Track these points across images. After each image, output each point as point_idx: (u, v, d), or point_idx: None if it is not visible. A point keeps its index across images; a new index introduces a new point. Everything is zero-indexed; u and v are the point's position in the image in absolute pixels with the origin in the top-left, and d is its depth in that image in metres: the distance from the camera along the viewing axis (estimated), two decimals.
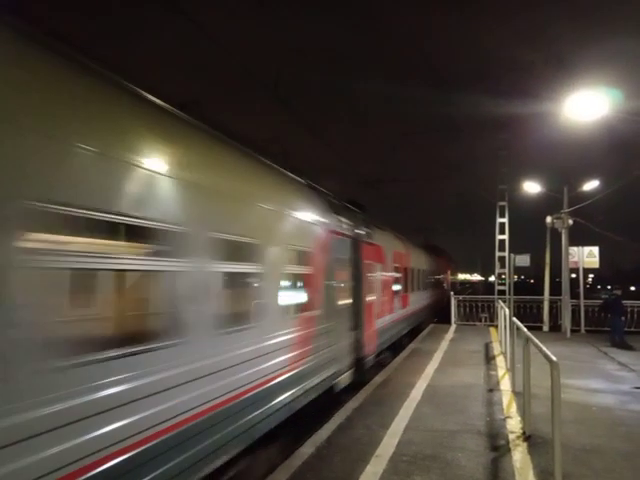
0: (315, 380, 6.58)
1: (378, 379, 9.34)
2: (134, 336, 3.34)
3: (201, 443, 3.88)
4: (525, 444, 5.73)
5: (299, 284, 6.33)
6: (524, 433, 6.05)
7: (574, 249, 18.04)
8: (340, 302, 7.95)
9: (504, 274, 20.22)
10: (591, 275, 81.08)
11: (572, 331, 16.99)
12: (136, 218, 3.28)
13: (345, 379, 8.14)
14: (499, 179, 21.98)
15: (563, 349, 13.12)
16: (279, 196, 6.00)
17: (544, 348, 5.05)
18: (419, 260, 18.79)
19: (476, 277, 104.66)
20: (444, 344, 14.16)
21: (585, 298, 17.97)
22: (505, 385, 8.81)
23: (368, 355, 9.71)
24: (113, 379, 2.98)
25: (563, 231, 17.81)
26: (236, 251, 4.63)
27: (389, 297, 12.42)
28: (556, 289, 18.84)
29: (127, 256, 3.32)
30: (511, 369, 9.05)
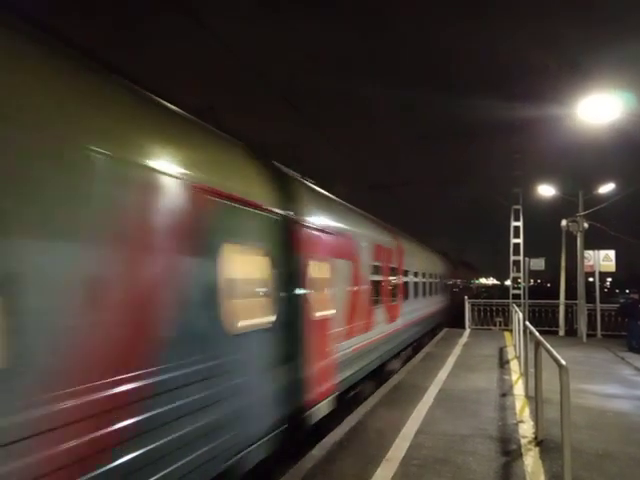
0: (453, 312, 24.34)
1: (391, 382, 9.35)
2: (422, 295, 15.32)
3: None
4: (537, 449, 5.71)
5: (450, 284, 26.12)
6: (536, 438, 6.03)
7: (590, 253, 17.79)
8: (451, 290, 26.04)
9: (520, 278, 20.04)
10: (609, 279, 79.64)
11: (588, 336, 16.79)
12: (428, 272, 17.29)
13: (449, 317, 22.77)
14: (513, 182, 21.87)
15: (578, 354, 13.00)
16: (444, 262, 23.25)
17: (554, 352, 5.03)
18: (464, 273, 36.88)
19: (491, 281, 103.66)
20: (457, 348, 14.11)
21: (602, 302, 17.71)
22: (518, 390, 8.76)
23: (450, 313, 23.43)
24: (422, 303, 15.68)
25: (578, 234, 17.62)
26: (441, 278, 21.21)
27: (458, 290, 30.30)
28: (573, 293, 18.61)
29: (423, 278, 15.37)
30: (524, 373, 9.00)
